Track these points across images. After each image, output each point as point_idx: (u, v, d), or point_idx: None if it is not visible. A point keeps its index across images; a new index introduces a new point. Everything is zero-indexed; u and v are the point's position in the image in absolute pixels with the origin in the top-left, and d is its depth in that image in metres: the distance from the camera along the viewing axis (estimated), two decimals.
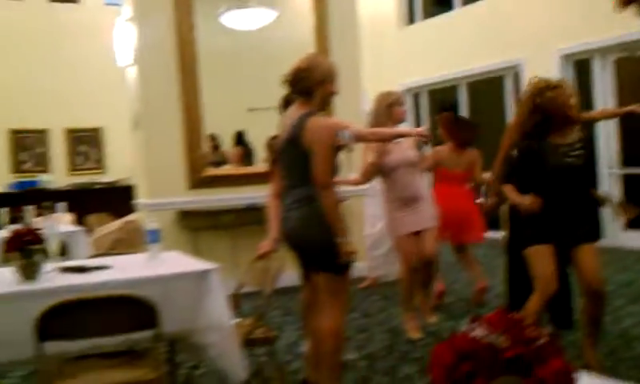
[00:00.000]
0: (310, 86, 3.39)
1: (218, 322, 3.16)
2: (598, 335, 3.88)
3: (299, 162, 3.35)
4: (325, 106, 3.48)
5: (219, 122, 6.90)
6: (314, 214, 3.34)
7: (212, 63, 6.64)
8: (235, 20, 7.11)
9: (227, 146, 7.21)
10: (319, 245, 3.36)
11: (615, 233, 8.45)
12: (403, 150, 4.78)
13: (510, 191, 3.83)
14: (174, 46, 6.41)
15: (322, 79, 3.40)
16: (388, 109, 4.79)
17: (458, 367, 0.89)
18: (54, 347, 2.69)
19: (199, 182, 6.54)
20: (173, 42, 6.42)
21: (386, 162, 4.75)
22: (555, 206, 3.74)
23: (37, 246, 3.03)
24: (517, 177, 3.84)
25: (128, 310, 2.75)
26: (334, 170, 3.40)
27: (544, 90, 3.72)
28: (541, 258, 3.73)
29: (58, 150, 10.91)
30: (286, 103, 3.61)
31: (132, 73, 6.60)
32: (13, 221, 6.09)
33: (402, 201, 4.75)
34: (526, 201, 3.69)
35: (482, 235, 5.86)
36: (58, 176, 10.50)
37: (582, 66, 8.81)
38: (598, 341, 3.91)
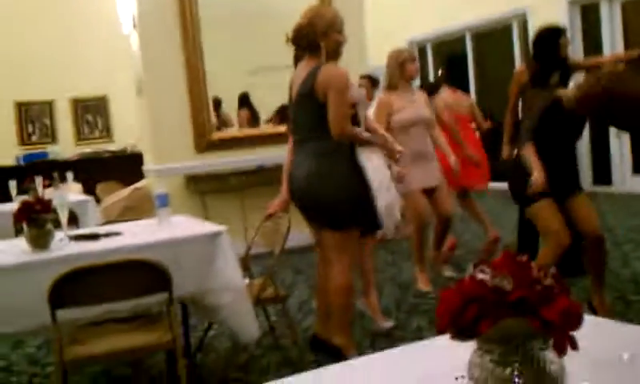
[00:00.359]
0: (314, 39, 3.35)
1: (229, 283, 3.19)
2: (604, 280, 3.91)
3: (314, 116, 3.33)
4: (335, 56, 3.41)
5: (223, 85, 6.86)
6: (321, 170, 3.33)
7: (214, 25, 6.58)
8: None
9: (232, 108, 7.17)
10: (323, 202, 3.36)
11: (623, 178, 8.42)
12: (418, 108, 4.82)
13: (530, 154, 3.74)
14: (175, 10, 6.36)
15: (326, 30, 3.35)
16: (400, 66, 4.79)
17: (464, 311, 0.89)
18: (67, 314, 2.72)
19: (206, 145, 6.54)
20: (174, 5, 6.36)
21: (401, 117, 4.74)
22: (554, 158, 3.74)
23: (47, 216, 3.05)
24: (538, 133, 3.77)
25: (140, 274, 2.77)
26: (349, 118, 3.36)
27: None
28: (548, 213, 3.73)
29: (64, 120, 10.91)
30: (297, 61, 3.56)
31: (134, 38, 6.56)
32: (22, 192, 6.13)
33: (414, 157, 4.74)
34: (539, 179, 3.64)
35: (486, 182, 5.88)
36: (65, 146, 10.51)
37: (589, 11, 8.70)
38: (604, 285, 3.93)
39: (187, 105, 6.46)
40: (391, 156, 3.87)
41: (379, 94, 5.19)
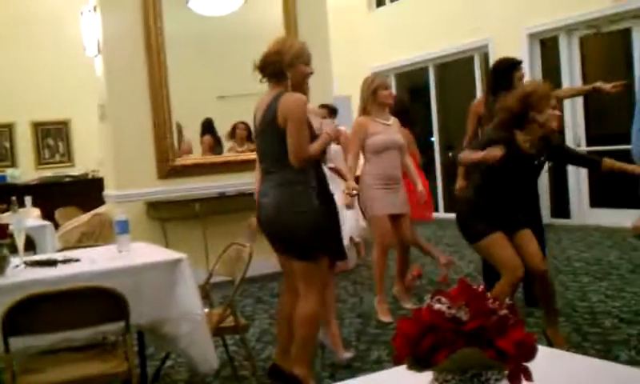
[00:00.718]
0: (280, 68, 3.37)
1: (188, 312, 3.16)
2: (555, 312, 3.98)
3: (276, 145, 3.33)
4: (300, 88, 3.42)
5: (188, 110, 6.83)
6: (288, 200, 3.32)
7: (180, 51, 6.57)
8: (204, 5, 7.03)
9: (195, 134, 7.14)
10: (291, 232, 3.35)
11: (581, 211, 8.58)
12: (392, 133, 4.90)
13: (469, 154, 3.81)
14: (140, 35, 6.34)
15: (292, 61, 3.37)
16: (373, 93, 4.87)
17: (420, 341, 0.89)
18: (21, 342, 2.66)
19: (168, 171, 6.49)
20: (139, 31, 6.34)
21: (375, 141, 4.80)
22: (505, 195, 3.83)
23: (3, 241, 2.99)
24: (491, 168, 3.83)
25: (97, 302, 2.73)
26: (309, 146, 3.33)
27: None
28: (500, 246, 3.79)
29: (24, 143, 10.73)
30: None
31: (98, 62, 6.51)
32: None
33: (384, 181, 4.81)
34: (491, 152, 3.64)
35: (431, 213, 6.02)
36: (24, 170, 10.33)
37: (548, 44, 8.91)
38: (557, 317, 4.00)
39: (150, 130, 6.42)
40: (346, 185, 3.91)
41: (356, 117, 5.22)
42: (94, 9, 6.42)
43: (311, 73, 3.49)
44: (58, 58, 10.46)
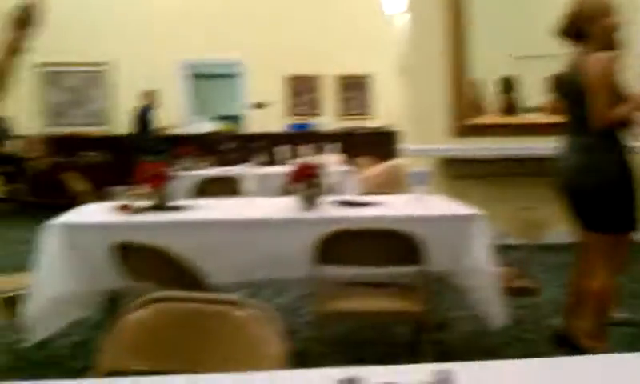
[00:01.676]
0: (580, 26, 3.20)
1: (481, 267, 3.20)
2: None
3: (577, 108, 3.20)
4: (609, 44, 3.18)
5: (486, 70, 6.78)
6: (592, 165, 3.19)
7: (482, 8, 6.53)
8: None
9: (492, 93, 7.06)
10: (591, 199, 3.21)
11: None
12: None
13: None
14: None
15: (592, 15, 3.17)
16: None
17: None
18: (328, 271, 2.95)
19: (463, 130, 6.54)
20: None
21: None
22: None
23: (318, 180, 3.30)
24: None
25: (396, 244, 2.89)
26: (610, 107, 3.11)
27: None
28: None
29: (329, 95, 11.58)
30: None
31: (402, 20, 6.73)
32: (289, 158, 6.66)
33: None
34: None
35: None
36: (328, 119, 11.16)
37: None
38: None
39: (448, 87, 6.50)
40: None
41: None
42: None
43: (617, 24, 3.20)
44: (360, 17, 11.04)
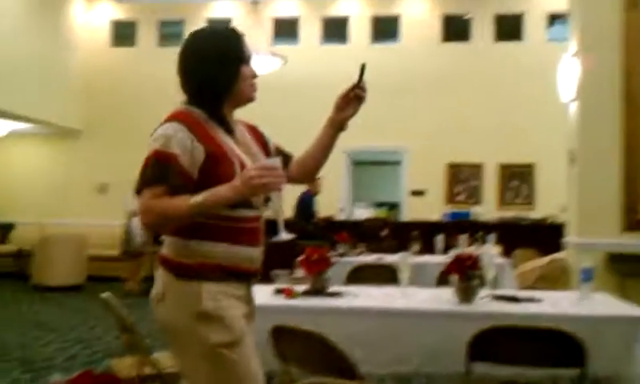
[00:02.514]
0: None
1: None
2: None
3: None
4: None
5: None
6: None
7: None
8: None
9: None
10: None
11: None
12: None
13: None
14: (619, 80, 6.20)
15: None
16: None
17: None
18: (482, 368, 2.87)
19: (635, 223, 6.18)
20: (618, 75, 6.21)
21: None
22: None
23: (476, 272, 3.27)
24: None
25: (557, 344, 2.77)
26: None
27: None
28: None
29: (490, 183, 11.42)
30: None
31: (572, 108, 6.58)
32: (447, 248, 6.60)
33: None
34: None
35: None
36: (488, 208, 10.97)
37: None
38: None
39: (620, 179, 6.20)
40: None
41: None
42: (576, 54, 6.51)
43: None
44: (530, 104, 10.93)
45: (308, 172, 2.47)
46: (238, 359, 2.08)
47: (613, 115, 6.22)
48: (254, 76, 2.25)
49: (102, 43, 12.68)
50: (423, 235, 7.06)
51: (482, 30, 11.77)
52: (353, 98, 2.33)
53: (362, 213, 11.10)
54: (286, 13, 12.20)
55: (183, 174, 2.06)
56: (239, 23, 10.87)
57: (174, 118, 2.13)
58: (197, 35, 2.27)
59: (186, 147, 2.06)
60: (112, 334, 6.78)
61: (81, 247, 10.54)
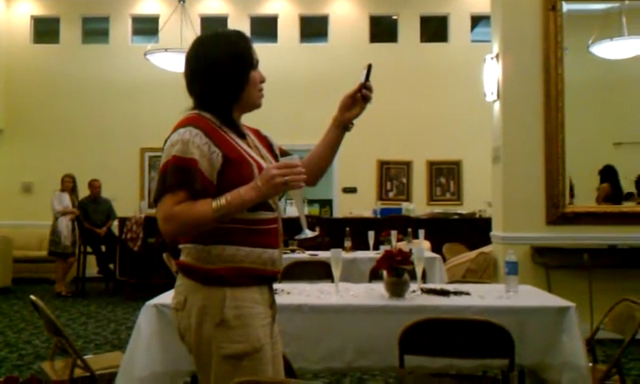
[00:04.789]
0: None
1: (572, 363, 3.09)
2: None
3: None
4: None
5: (581, 157, 6.68)
6: None
7: (577, 95, 6.49)
8: (606, 50, 6.88)
9: (588, 181, 6.93)
10: None
11: None
12: None
13: None
14: (539, 81, 6.42)
15: None
16: None
17: None
18: (414, 361, 2.92)
19: (558, 218, 6.40)
20: (538, 75, 6.42)
21: None
22: None
23: (406, 267, 3.32)
24: None
25: (484, 335, 2.84)
26: None
27: None
28: None
29: (419, 180, 11.63)
30: None
31: (496, 107, 6.77)
32: (378, 243, 6.67)
33: None
34: None
35: None
36: (418, 205, 11.16)
37: None
38: None
39: (542, 175, 6.42)
40: None
41: None
42: (497, 56, 6.69)
43: None
44: (456, 103, 11.19)
45: (314, 173, 2.42)
46: (255, 370, 2.05)
47: (534, 114, 6.43)
48: (262, 81, 2.22)
49: (23, 40, 12.26)
50: (356, 232, 7.13)
51: (409, 30, 11.96)
52: (359, 98, 2.33)
53: (294, 210, 11.10)
54: (213, 11, 12.09)
55: (203, 178, 2.01)
56: (166, 21, 10.70)
57: (189, 122, 2.08)
58: (206, 40, 2.23)
59: (203, 152, 2.02)
60: (41, 337, 6.59)
61: (6, 249, 10.15)
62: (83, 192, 10.25)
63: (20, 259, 10.65)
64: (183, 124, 2.09)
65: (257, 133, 2.36)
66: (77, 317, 7.95)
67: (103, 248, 10.18)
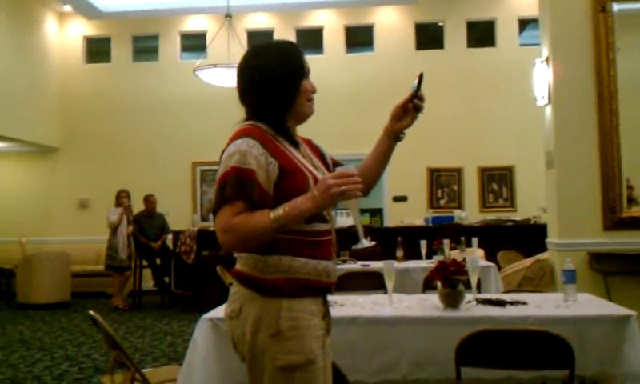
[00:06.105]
0: None
1: (636, 372, 3.01)
2: None
3: None
4: None
5: (638, 160, 6.50)
6: None
7: (632, 95, 6.33)
8: None
9: None
10: None
11: None
12: None
13: None
14: (592, 84, 6.28)
15: None
16: None
17: None
18: (470, 373, 2.88)
19: (615, 223, 6.24)
20: (590, 79, 6.29)
21: None
22: None
23: (461, 277, 3.28)
24: None
25: (543, 346, 2.79)
26: None
27: None
28: None
29: (470, 187, 11.50)
30: None
31: (548, 111, 6.65)
32: (430, 252, 6.62)
33: None
34: None
35: None
36: (470, 212, 11.03)
37: None
38: None
39: (598, 180, 6.27)
40: None
41: None
42: (547, 60, 6.58)
43: None
44: (506, 108, 11.05)
45: (366, 184, 2.38)
46: (307, 381, 2.06)
47: (587, 117, 6.29)
48: (314, 91, 2.24)
49: (76, 60, 12.60)
50: (407, 241, 7.08)
51: (455, 36, 11.87)
52: (411, 108, 2.33)
53: (344, 220, 11.08)
54: (259, 25, 12.21)
55: (261, 189, 2.03)
56: (213, 37, 10.86)
57: (246, 133, 2.10)
58: (259, 50, 2.25)
59: (260, 163, 2.04)
60: (99, 350, 6.73)
61: (64, 264, 10.46)
62: (137, 207, 10.45)
63: (78, 274, 10.92)
64: (240, 135, 2.10)
65: (309, 143, 2.37)
66: (134, 330, 8.10)
67: (158, 261, 10.34)
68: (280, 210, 1.99)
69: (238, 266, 2.18)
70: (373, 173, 2.43)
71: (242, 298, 2.13)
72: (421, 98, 2.33)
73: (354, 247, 2.25)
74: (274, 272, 2.09)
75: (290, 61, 2.20)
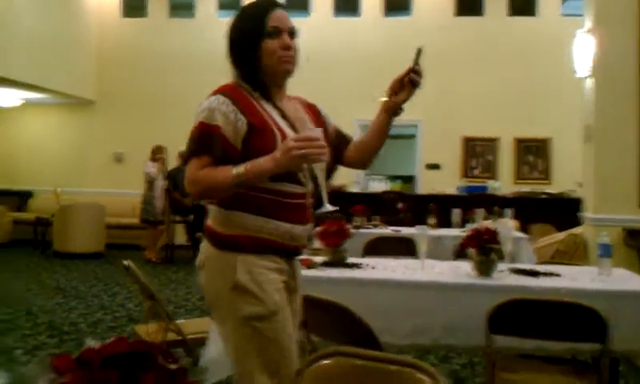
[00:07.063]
0: None
1: None
2: None
3: None
4: None
5: None
6: None
7: None
8: None
9: None
10: None
11: None
12: None
13: None
14: (635, 57, 6.14)
15: None
16: None
17: None
18: (501, 341, 2.89)
19: None
20: (635, 52, 6.15)
21: None
22: None
23: (494, 246, 3.27)
24: None
25: (577, 318, 2.78)
26: None
27: None
28: None
29: (505, 157, 11.38)
30: None
31: (588, 84, 6.53)
32: (463, 221, 6.60)
33: None
34: None
35: None
36: (504, 183, 10.93)
37: None
38: None
39: (636, 156, 6.17)
40: None
41: None
42: (590, 31, 6.44)
43: None
44: (545, 79, 10.85)
45: (365, 157, 2.47)
46: (269, 332, 2.11)
47: (629, 91, 6.17)
48: (285, 48, 2.22)
49: (112, 14, 12.66)
50: (439, 209, 7.06)
51: (496, 3, 11.63)
52: (407, 82, 2.30)
53: (377, 186, 11.08)
54: None
55: (226, 144, 2.09)
56: None
57: (220, 91, 2.18)
58: (237, 12, 2.32)
59: (228, 119, 2.10)
60: (134, 300, 6.88)
61: (99, 215, 10.68)
62: (172, 164, 10.55)
63: (112, 226, 11.11)
64: (215, 92, 2.19)
65: (310, 107, 2.41)
66: (167, 283, 8.24)
67: (191, 217, 10.46)
68: (242, 168, 2.05)
69: (208, 220, 2.26)
70: (371, 146, 2.44)
71: (206, 251, 2.22)
72: (418, 73, 2.30)
73: (318, 211, 2.26)
74: (233, 227, 2.15)
75: (247, 23, 2.24)
